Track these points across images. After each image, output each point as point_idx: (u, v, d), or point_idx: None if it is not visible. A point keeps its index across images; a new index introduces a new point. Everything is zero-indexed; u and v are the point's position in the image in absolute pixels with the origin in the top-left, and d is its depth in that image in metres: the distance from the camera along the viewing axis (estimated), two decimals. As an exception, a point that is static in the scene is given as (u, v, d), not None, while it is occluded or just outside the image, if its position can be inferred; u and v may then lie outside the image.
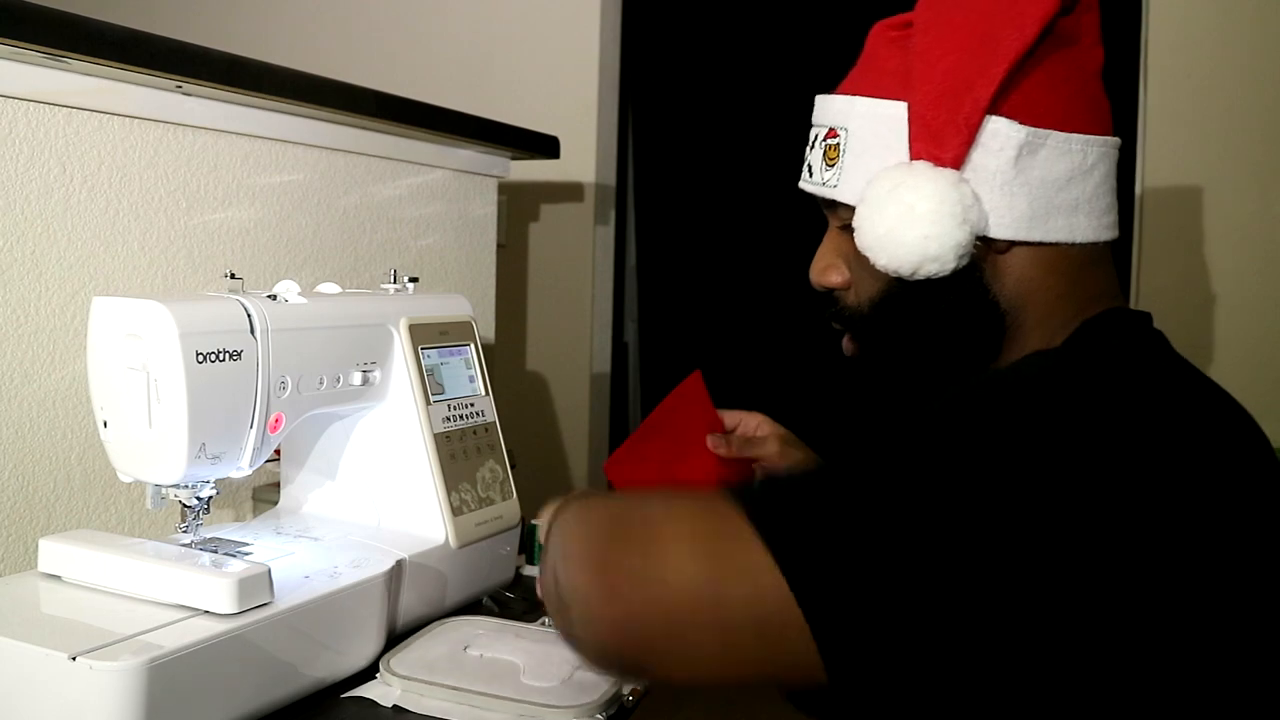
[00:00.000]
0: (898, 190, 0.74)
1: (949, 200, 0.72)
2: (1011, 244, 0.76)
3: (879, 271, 0.77)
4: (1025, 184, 0.74)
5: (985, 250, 0.76)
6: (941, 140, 0.74)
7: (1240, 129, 1.60)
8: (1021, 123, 0.73)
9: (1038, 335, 0.77)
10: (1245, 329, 1.60)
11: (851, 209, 0.78)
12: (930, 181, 0.73)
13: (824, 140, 0.81)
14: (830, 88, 0.83)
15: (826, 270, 0.84)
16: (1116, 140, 0.78)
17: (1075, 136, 0.75)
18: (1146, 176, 1.66)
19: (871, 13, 0.83)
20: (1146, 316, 0.78)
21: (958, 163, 0.74)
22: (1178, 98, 1.63)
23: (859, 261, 0.79)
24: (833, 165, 0.80)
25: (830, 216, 0.84)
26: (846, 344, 0.85)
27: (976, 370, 0.79)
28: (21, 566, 1.01)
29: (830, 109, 0.82)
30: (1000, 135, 0.73)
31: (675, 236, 2.34)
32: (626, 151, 2.29)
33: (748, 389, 2.17)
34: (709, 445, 0.94)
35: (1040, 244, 0.76)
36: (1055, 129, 0.74)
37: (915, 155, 0.75)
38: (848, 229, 0.79)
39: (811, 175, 0.83)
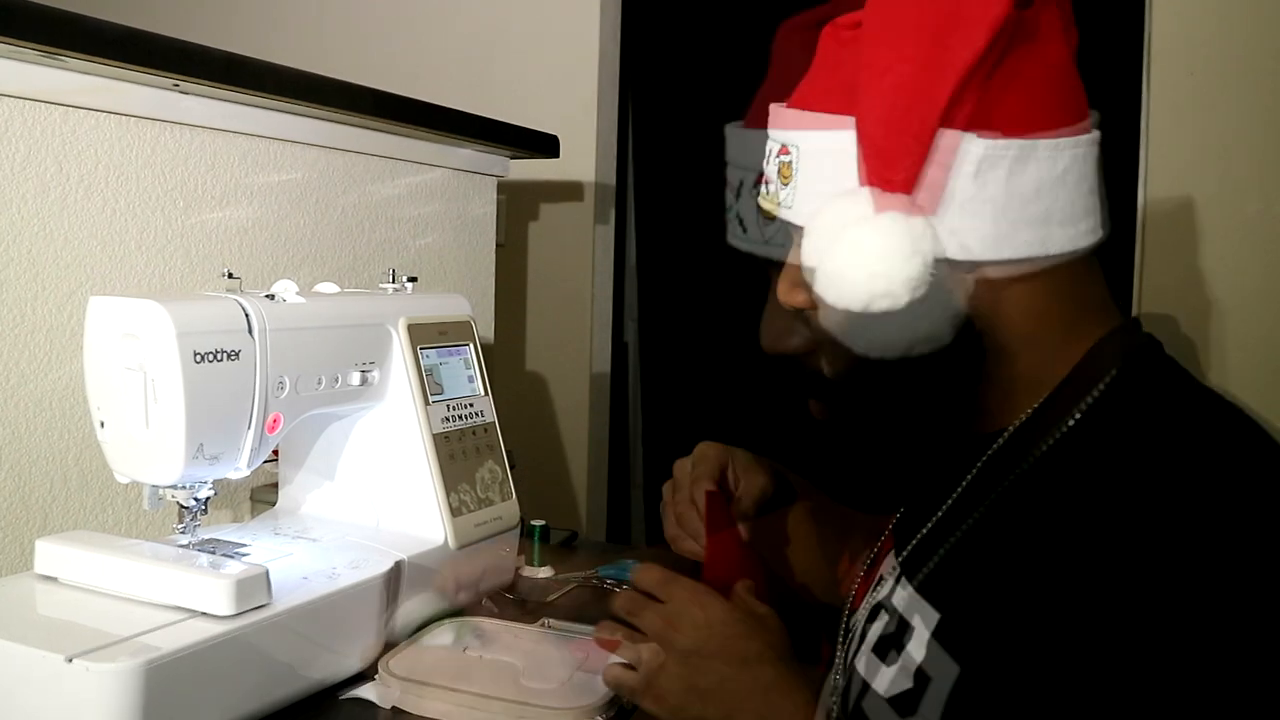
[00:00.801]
0: (842, 225, 0.69)
1: (895, 233, 0.66)
2: (977, 264, 0.69)
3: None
4: (988, 201, 0.67)
5: (949, 271, 0.69)
6: (891, 161, 0.67)
7: (1243, 128, 1.59)
8: (980, 135, 0.66)
9: (1027, 358, 0.72)
10: (1248, 328, 1.59)
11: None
12: (877, 214, 0.67)
13: (777, 156, 0.76)
14: None
15: (792, 290, 0.79)
16: (1093, 136, 0.71)
17: (1043, 142, 0.68)
18: (1149, 176, 1.65)
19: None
20: (1137, 327, 0.74)
21: (909, 185, 0.67)
22: (1180, 96, 1.63)
23: None
24: (786, 183, 0.75)
25: (793, 232, 0.78)
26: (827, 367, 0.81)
27: (960, 395, 0.75)
28: (18, 568, 1.01)
29: (782, 121, 0.77)
30: (957, 151, 0.67)
31: (675, 236, 2.33)
32: (626, 151, 2.28)
33: (747, 390, 2.16)
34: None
35: (1009, 261, 0.69)
36: (1019, 137, 0.67)
37: (864, 177, 0.69)
38: None
39: (768, 190, 0.78)
